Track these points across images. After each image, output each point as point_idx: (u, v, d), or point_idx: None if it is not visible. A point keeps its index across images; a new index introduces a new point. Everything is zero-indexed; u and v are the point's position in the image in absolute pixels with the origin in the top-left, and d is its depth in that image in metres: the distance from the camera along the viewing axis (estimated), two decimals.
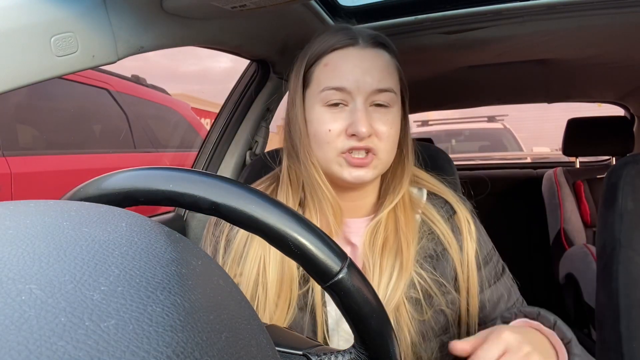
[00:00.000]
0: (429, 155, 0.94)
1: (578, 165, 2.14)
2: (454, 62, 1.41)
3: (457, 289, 0.69)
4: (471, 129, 5.31)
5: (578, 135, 2.02)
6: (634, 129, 2.07)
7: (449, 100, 2.21)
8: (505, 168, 2.51)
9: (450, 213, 0.73)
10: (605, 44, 1.21)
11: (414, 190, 0.75)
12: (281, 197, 0.71)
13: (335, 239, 0.69)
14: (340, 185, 0.68)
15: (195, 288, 0.20)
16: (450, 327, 0.69)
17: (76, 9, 0.62)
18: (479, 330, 0.69)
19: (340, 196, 0.68)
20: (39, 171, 2.16)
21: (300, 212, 0.70)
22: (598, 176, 1.94)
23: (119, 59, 0.70)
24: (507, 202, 2.22)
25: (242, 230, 0.69)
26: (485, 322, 0.73)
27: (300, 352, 0.37)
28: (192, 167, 1.27)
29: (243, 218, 0.30)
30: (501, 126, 5.25)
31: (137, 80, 3.30)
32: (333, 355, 0.36)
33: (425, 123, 5.52)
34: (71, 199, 0.34)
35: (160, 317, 0.17)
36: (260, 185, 0.76)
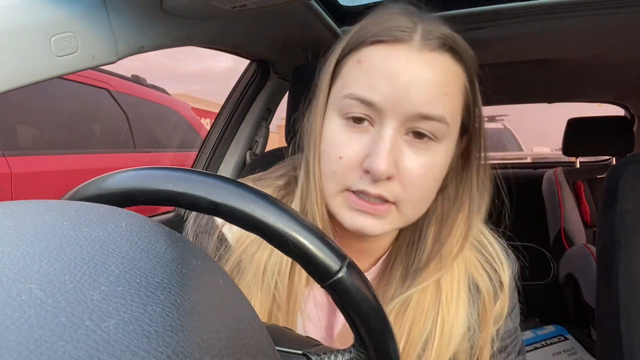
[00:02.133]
0: None
1: (578, 165, 2.14)
2: None
3: None
4: None
5: (578, 135, 2.02)
6: (634, 129, 2.07)
7: None
8: (505, 168, 2.51)
9: (476, 294, 0.55)
10: (605, 44, 1.21)
11: None
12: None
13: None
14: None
15: (195, 288, 0.20)
16: None
17: (76, 9, 0.62)
18: None
19: (345, 235, 0.51)
20: (39, 171, 2.16)
21: None
22: (598, 176, 1.94)
23: (119, 59, 0.70)
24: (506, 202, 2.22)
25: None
26: None
27: (300, 352, 0.37)
28: (192, 167, 1.27)
29: (242, 217, 0.30)
30: (501, 126, 5.26)
31: (137, 80, 3.30)
32: (333, 355, 0.36)
33: None
34: (71, 199, 0.34)
35: (160, 317, 0.17)
36: (274, 191, 0.59)
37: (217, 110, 1.35)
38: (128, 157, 2.82)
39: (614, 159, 2.11)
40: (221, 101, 1.33)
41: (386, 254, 0.57)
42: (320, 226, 0.50)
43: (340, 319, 0.56)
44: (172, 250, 0.22)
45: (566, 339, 1.60)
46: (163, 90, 3.71)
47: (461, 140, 0.52)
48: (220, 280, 0.23)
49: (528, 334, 1.62)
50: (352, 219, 0.47)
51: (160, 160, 3.07)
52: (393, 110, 0.45)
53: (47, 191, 2.09)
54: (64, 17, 0.60)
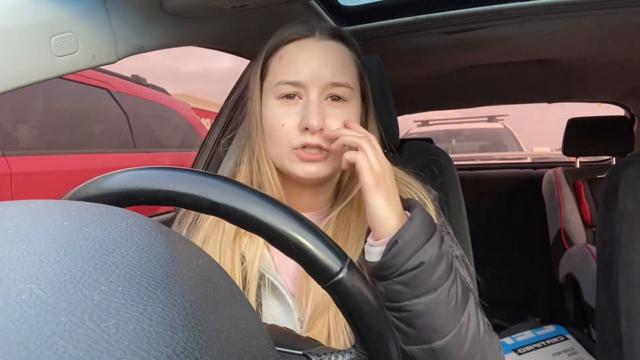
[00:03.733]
0: (429, 155, 0.94)
1: (578, 165, 2.14)
2: (454, 62, 1.41)
3: None
4: (471, 128, 5.32)
5: (578, 135, 2.02)
6: (634, 129, 2.07)
7: (449, 100, 2.22)
8: (505, 168, 2.51)
9: None
10: (605, 44, 1.21)
11: None
12: None
13: None
14: (297, 182, 0.66)
15: (195, 288, 0.20)
16: None
17: (76, 9, 0.62)
18: None
19: (297, 193, 0.68)
20: (39, 171, 2.16)
21: None
22: (598, 176, 1.94)
23: (119, 59, 0.70)
24: (507, 202, 2.22)
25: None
26: None
27: (300, 352, 0.37)
28: (192, 167, 1.27)
29: (243, 218, 0.30)
30: (501, 126, 5.26)
31: (137, 80, 3.30)
32: (333, 355, 0.36)
33: (425, 123, 5.52)
34: (71, 199, 0.34)
35: (160, 317, 0.17)
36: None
37: (217, 110, 1.34)
38: (128, 157, 2.82)
39: (614, 159, 2.11)
40: (221, 101, 1.33)
41: (330, 206, 0.72)
42: (274, 187, 0.65)
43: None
44: (172, 250, 0.22)
45: (566, 339, 1.60)
46: (163, 90, 3.71)
47: (363, 104, 0.70)
48: (221, 280, 0.23)
49: (528, 334, 1.62)
50: (302, 168, 0.63)
51: (160, 160, 3.07)
52: (313, 83, 0.62)
53: (47, 191, 2.09)
54: (64, 17, 0.60)
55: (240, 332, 0.21)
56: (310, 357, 0.36)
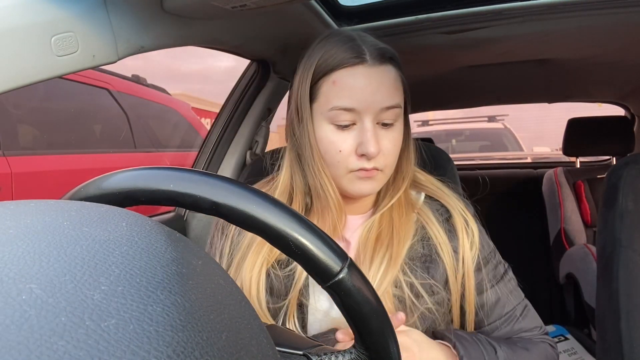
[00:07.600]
0: (429, 155, 0.95)
1: (578, 165, 2.14)
2: (454, 62, 1.41)
3: (447, 291, 0.71)
4: (471, 128, 5.31)
5: (578, 135, 2.02)
6: (634, 129, 2.07)
7: (449, 100, 2.22)
8: (505, 168, 2.51)
9: (446, 216, 0.74)
10: (606, 44, 1.21)
11: (413, 193, 0.76)
12: None
13: (334, 236, 0.72)
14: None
15: (195, 288, 0.20)
16: (437, 327, 0.70)
17: (76, 8, 0.62)
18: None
19: (345, 200, 0.72)
20: (39, 171, 2.16)
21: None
22: (598, 176, 1.94)
23: (119, 59, 0.70)
24: (507, 202, 2.22)
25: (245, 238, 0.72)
26: (480, 326, 0.74)
27: (301, 352, 0.37)
28: (192, 167, 1.27)
29: (243, 218, 0.30)
30: (501, 126, 5.26)
31: (137, 80, 3.30)
32: (333, 355, 0.36)
33: (425, 123, 5.52)
34: (71, 198, 0.34)
35: (160, 317, 0.17)
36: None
37: (217, 110, 1.34)
38: (128, 157, 2.82)
39: (614, 159, 2.11)
40: (221, 101, 1.33)
41: (372, 209, 0.77)
42: (334, 198, 0.69)
43: None
44: (172, 250, 0.22)
45: (566, 339, 1.60)
46: (163, 90, 3.71)
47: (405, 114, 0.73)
48: (221, 280, 0.23)
49: None
50: (359, 187, 0.68)
51: (160, 160, 3.07)
52: (367, 109, 0.65)
53: (47, 191, 2.09)
54: (64, 17, 0.60)
55: (240, 332, 0.21)
56: (311, 357, 0.36)
